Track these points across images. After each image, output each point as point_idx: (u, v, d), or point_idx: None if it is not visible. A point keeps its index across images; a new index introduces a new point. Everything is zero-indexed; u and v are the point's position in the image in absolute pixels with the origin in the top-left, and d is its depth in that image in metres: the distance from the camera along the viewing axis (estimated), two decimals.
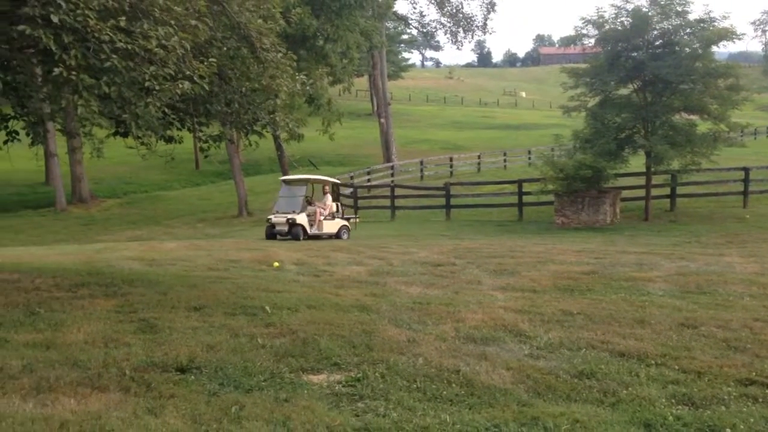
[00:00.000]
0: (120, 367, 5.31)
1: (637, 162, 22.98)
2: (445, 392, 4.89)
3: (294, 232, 18.45)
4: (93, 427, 4.12)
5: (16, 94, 7.84)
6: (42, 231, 28.95)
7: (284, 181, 21.25)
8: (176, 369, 5.35)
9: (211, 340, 6.16)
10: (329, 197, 20.22)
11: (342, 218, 20.21)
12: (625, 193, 22.77)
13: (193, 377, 5.18)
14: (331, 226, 19.54)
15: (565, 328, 6.73)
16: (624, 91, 22.68)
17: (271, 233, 18.78)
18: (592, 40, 23.37)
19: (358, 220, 21.75)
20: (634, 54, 22.35)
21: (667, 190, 22.96)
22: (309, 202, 19.83)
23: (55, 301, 7.77)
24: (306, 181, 20.38)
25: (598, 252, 12.74)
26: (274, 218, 18.91)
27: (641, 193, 22.35)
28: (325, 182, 20.97)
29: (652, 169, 21.73)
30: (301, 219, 18.67)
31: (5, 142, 9.29)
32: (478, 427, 4.24)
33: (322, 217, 19.32)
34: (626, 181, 22.63)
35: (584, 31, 23.03)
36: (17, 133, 9.17)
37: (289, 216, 18.61)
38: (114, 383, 4.97)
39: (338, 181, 22.57)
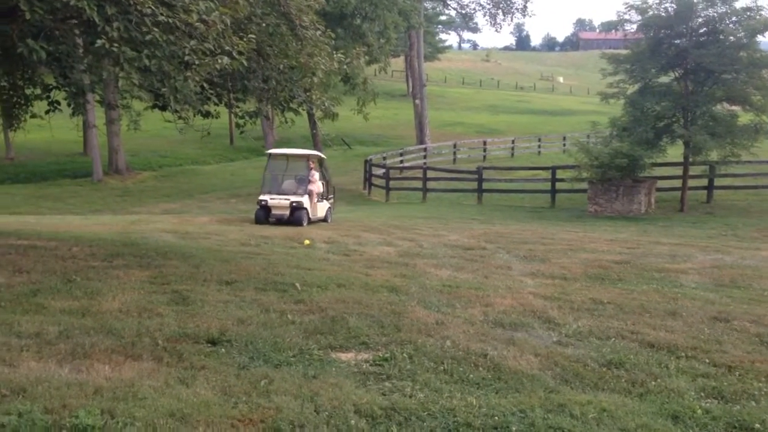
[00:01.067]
0: (153, 337, 5.42)
1: (674, 152, 22.59)
2: (471, 375, 4.91)
3: (297, 216, 15.49)
4: (126, 394, 4.22)
5: (59, 64, 7.97)
6: (79, 200, 29.48)
7: (272, 155, 17.98)
8: (207, 341, 5.45)
9: (241, 315, 6.26)
10: (316, 174, 16.70)
11: (327, 199, 17.35)
12: (661, 183, 22.43)
13: (223, 350, 5.27)
14: (321, 209, 16.72)
15: (595, 317, 6.70)
16: (665, 79, 22.23)
17: (264, 217, 15.80)
18: (634, 26, 22.92)
19: (332, 199, 18.21)
20: (677, 41, 21.88)
21: (704, 182, 22.55)
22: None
23: (91, 270, 7.93)
24: (304, 157, 17.50)
25: (631, 242, 12.61)
26: (270, 200, 15.76)
27: (677, 183, 21.99)
28: (310, 156, 17.53)
29: (690, 160, 21.34)
30: (306, 202, 15.76)
31: (47, 112, 9.46)
32: (505, 411, 4.25)
33: (316, 199, 16.40)
34: (662, 170, 22.28)
35: (626, 17, 22.60)
36: (59, 104, 9.33)
37: (293, 198, 15.66)
38: (147, 352, 5.08)
39: (324, 156, 18.71)
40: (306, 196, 15.76)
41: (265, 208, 15.77)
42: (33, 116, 10.32)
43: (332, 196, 18.23)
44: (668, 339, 5.92)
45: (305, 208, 15.61)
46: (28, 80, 9.83)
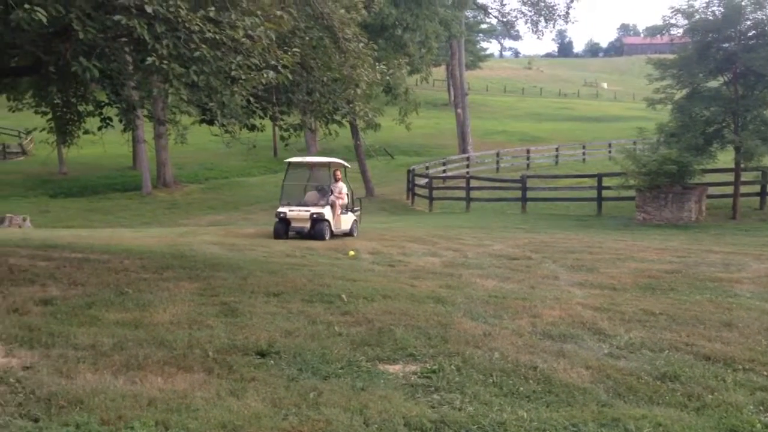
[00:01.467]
0: (203, 349, 5.49)
1: (725, 157, 22.07)
2: (521, 388, 4.85)
3: (318, 229, 14.30)
4: (179, 405, 4.28)
5: (111, 81, 8.18)
6: (128, 213, 30.13)
7: (291, 164, 16.23)
8: (256, 353, 5.50)
9: (289, 326, 6.30)
10: (342, 185, 15.68)
11: (352, 211, 16.00)
12: (712, 190, 21.91)
13: (272, 362, 5.31)
14: (345, 222, 15.45)
15: (647, 328, 6.56)
16: (713, 84, 21.74)
17: (283, 231, 14.63)
18: (681, 30, 22.47)
19: (358, 211, 16.80)
20: (726, 45, 21.39)
21: (757, 188, 21.94)
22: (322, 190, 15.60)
23: (142, 282, 8.09)
24: (326, 165, 16.39)
25: (682, 250, 12.34)
26: (289, 212, 14.63)
27: (729, 190, 21.44)
28: (337, 165, 16.27)
29: (742, 165, 20.82)
30: (328, 213, 14.58)
31: (99, 128, 9.71)
32: (556, 425, 4.19)
33: (339, 211, 15.24)
34: (713, 177, 21.76)
35: (672, 21, 22.16)
36: (111, 120, 9.57)
37: (314, 210, 14.47)
38: (198, 364, 5.15)
39: (347, 165, 17.19)
40: (328, 207, 14.61)
41: (284, 221, 14.60)
42: (86, 132, 10.61)
43: (358, 208, 17.00)
44: (724, 351, 5.76)
45: (327, 221, 14.42)
46: (80, 97, 10.12)
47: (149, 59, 6.55)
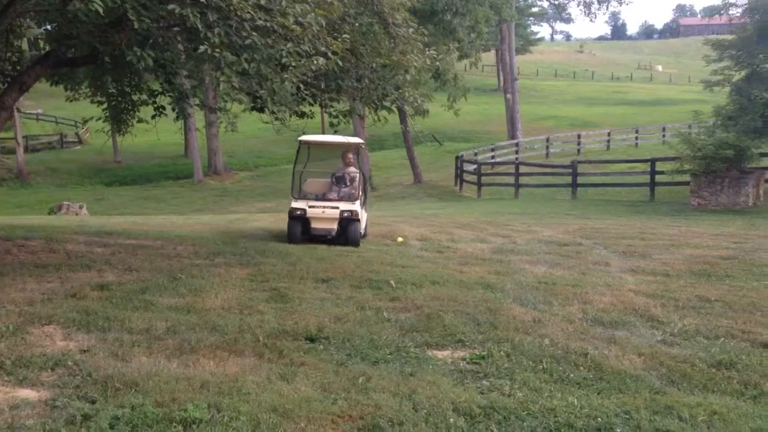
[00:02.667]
0: (254, 334, 5.58)
1: None
2: (572, 375, 4.81)
3: (351, 232, 10.85)
4: (231, 389, 4.37)
5: (164, 71, 8.32)
6: (180, 201, 30.74)
7: (304, 144, 11.82)
8: (306, 338, 5.56)
9: (338, 312, 6.35)
10: (355, 171, 11.89)
11: (363, 205, 11.74)
12: None
13: (321, 347, 5.37)
14: (363, 220, 11.60)
15: (702, 315, 6.42)
16: None
17: (300, 233, 10.96)
18: (740, 10, 21.87)
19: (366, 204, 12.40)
20: None
21: None
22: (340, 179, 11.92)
23: (194, 268, 8.25)
24: (352, 147, 11.88)
25: (738, 236, 11.99)
26: (309, 209, 10.97)
27: None
28: (349, 146, 11.87)
29: None
30: (359, 210, 11.11)
31: (153, 117, 9.90)
32: (608, 412, 4.13)
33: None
34: None
35: (731, 1, 21.53)
36: (164, 108, 9.75)
37: (345, 206, 10.96)
38: (249, 348, 5.24)
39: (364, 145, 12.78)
40: (358, 203, 11.12)
41: (302, 220, 10.96)
42: (140, 121, 10.84)
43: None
44: None
45: (358, 220, 10.98)
46: (134, 87, 10.33)
47: (201, 48, 6.64)
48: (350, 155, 11.87)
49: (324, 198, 11.39)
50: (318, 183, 12.02)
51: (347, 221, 10.90)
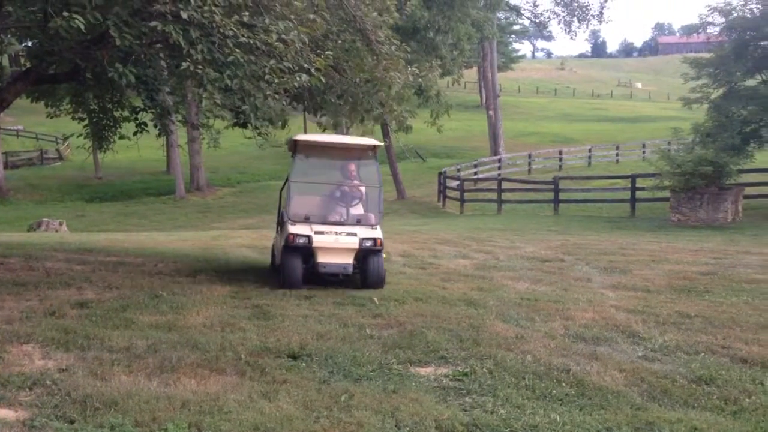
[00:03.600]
0: (236, 351, 5.54)
1: (763, 157, 21.65)
2: (554, 391, 4.81)
3: (374, 269, 8.35)
4: (212, 407, 4.33)
5: (146, 87, 8.31)
6: (163, 217, 30.55)
7: (300, 144, 8.88)
8: (288, 355, 5.53)
9: (321, 329, 6.33)
10: (361, 185, 9.22)
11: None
12: (749, 190, 21.46)
13: (304, 364, 5.34)
14: None
15: (682, 331, 6.46)
16: (751, 82, 21.39)
17: (303, 273, 8.28)
18: (718, 29, 22.21)
19: None
20: (764, 43, 21.06)
21: None
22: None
23: (176, 285, 8.19)
24: (366, 150, 9.14)
25: (718, 252, 12.11)
26: (316, 236, 8.26)
27: (767, 190, 21.03)
28: (363, 150, 9.20)
29: None
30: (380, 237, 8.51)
31: (135, 134, 9.87)
32: (590, 428, 4.15)
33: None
34: (750, 177, 21.33)
35: (709, 19, 21.94)
36: (146, 125, 9.73)
37: (363, 232, 8.43)
38: (231, 366, 5.20)
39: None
40: (379, 228, 8.58)
41: (304, 253, 8.24)
42: (121, 137, 10.79)
43: None
44: (762, 354, 5.65)
45: (381, 251, 8.49)
46: (116, 103, 10.30)
47: (184, 64, 6.65)
48: (353, 167, 9.09)
49: (332, 221, 8.52)
50: (314, 201, 9.01)
51: (368, 253, 8.27)
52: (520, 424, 4.20)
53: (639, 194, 22.78)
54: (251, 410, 4.30)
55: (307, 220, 8.40)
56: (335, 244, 8.25)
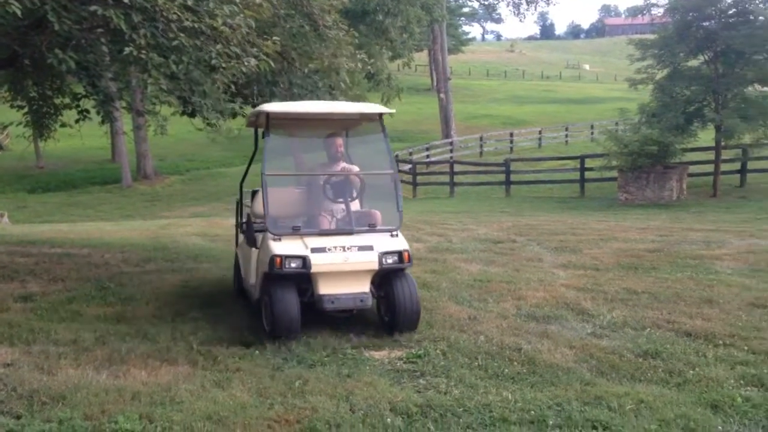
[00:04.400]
0: (188, 341, 5.49)
1: (706, 136, 22.21)
2: (506, 370, 4.89)
3: (406, 297, 5.81)
4: (163, 398, 4.27)
5: (87, 73, 8.07)
6: (109, 207, 29.88)
7: (273, 117, 6.13)
8: (241, 343, 5.50)
9: None
10: (353, 169, 6.70)
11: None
12: (693, 169, 22.05)
13: (257, 352, 5.32)
14: None
15: (629, 307, 6.62)
16: (694, 63, 21.84)
17: (298, 308, 5.61)
18: (661, 10, 22.59)
19: None
20: (706, 24, 21.48)
21: (737, 165, 22.12)
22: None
23: (124, 276, 8.04)
24: (350, 121, 6.91)
25: (664, 229, 12.42)
26: (315, 255, 5.67)
27: (710, 168, 21.60)
28: (360, 118, 6.75)
29: (722, 144, 20.97)
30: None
31: (77, 121, 9.60)
32: (541, 405, 4.22)
33: None
34: (694, 156, 21.89)
35: (653, 1, 22.28)
36: (88, 112, 9.47)
37: (385, 244, 5.94)
38: (182, 356, 5.14)
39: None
40: (401, 235, 6.19)
41: (298, 279, 5.80)
42: (63, 125, 10.49)
43: None
44: (705, 327, 5.82)
45: (406, 269, 6.08)
46: (57, 90, 9.98)
47: (127, 50, 6.47)
48: (340, 142, 6.73)
49: (333, 230, 6.07)
50: (301, 201, 6.72)
51: (392, 275, 5.91)
52: (473, 404, 4.25)
53: (588, 174, 23.20)
54: (204, 399, 4.26)
55: (296, 231, 5.82)
56: (344, 265, 5.68)
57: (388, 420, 4.03)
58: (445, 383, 4.63)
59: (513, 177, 24.91)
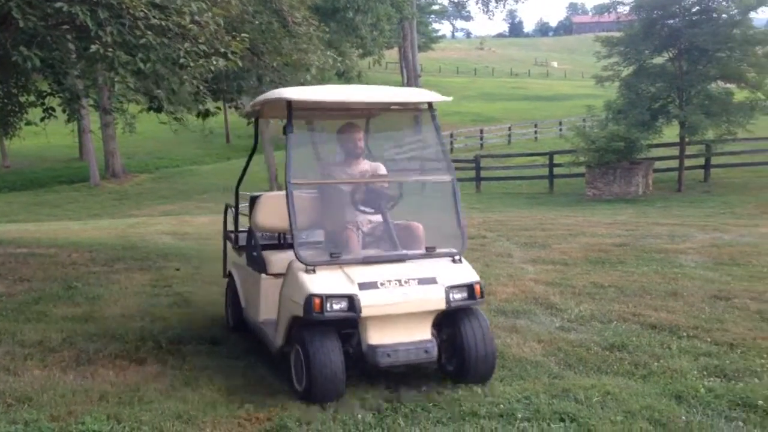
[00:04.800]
0: (156, 341, 5.45)
1: (670, 132, 22.59)
2: None
3: (479, 343, 4.51)
4: (132, 398, 4.25)
5: (53, 71, 7.96)
6: (77, 206, 29.45)
7: (293, 104, 4.60)
8: (211, 342, 5.47)
9: None
10: (378, 166, 5.36)
11: None
12: (658, 164, 22.43)
13: (227, 350, 5.30)
14: None
15: (596, 301, 6.72)
16: (659, 60, 22.22)
17: (342, 361, 4.26)
18: (627, 8, 22.95)
19: None
20: (670, 22, 21.87)
21: (701, 161, 22.56)
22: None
23: (91, 276, 7.95)
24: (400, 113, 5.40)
25: (630, 224, 12.62)
26: (366, 296, 4.25)
27: (674, 163, 21.99)
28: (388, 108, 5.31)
29: (687, 140, 21.35)
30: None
31: (42, 119, 9.45)
32: (510, 398, 4.27)
33: None
34: (659, 151, 22.28)
35: None
36: (54, 110, 9.33)
37: (450, 274, 4.57)
38: (151, 356, 5.11)
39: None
40: (465, 261, 4.83)
41: (341, 325, 4.40)
42: (28, 123, 10.33)
43: None
44: (669, 320, 5.94)
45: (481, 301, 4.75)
46: (22, 88, 9.82)
47: (93, 47, 6.39)
48: (360, 134, 5.30)
49: (382, 257, 4.63)
50: (337, 217, 5.08)
51: (461, 315, 4.66)
52: (443, 398, 4.28)
53: (556, 170, 23.47)
54: (173, 399, 4.25)
55: (335, 258, 4.43)
56: (403, 305, 4.35)
57: (359, 416, 4.05)
58: (415, 379, 4.66)
59: (483, 173, 25.08)
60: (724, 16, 21.19)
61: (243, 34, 7.97)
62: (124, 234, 12.67)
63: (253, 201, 5.56)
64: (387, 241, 4.75)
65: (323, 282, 4.27)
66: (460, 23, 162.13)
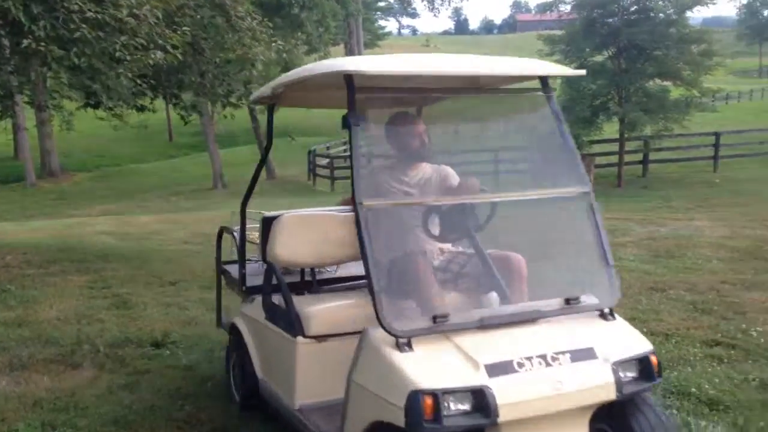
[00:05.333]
0: (94, 344, 5.31)
1: (610, 129, 23.11)
2: None
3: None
4: (67, 404, 4.13)
5: None
6: (12, 206, 28.48)
7: (355, 77, 3.05)
8: (151, 344, 5.36)
9: (186, 315, 6.17)
10: (448, 172, 3.73)
11: None
12: (599, 160, 22.87)
13: (168, 352, 5.20)
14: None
15: None
16: (599, 58, 22.72)
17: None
18: (569, 7, 23.39)
19: None
20: (610, 20, 22.37)
21: (639, 156, 23.14)
22: None
23: (26, 278, 7.71)
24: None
25: None
26: (501, 386, 2.50)
27: (614, 159, 22.49)
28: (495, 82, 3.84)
29: (626, 136, 21.88)
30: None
31: None
32: None
33: None
34: (600, 147, 22.75)
35: None
36: None
37: (604, 342, 2.82)
38: (88, 360, 4.97)
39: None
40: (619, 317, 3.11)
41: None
42: None
43: None
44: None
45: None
46: None
47: (25, 42, 6.20)
48: (423, 127, 3.66)
49: (502, 315, 2.87)
50: (429, 249, 3.49)
51: (629, 405, 2.85)
52: None
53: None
54: (111, 403, 4.15)
55: (444, 320, 2.70)
56: (556, 400, 2.64)
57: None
58: None
59: None
60: (661, 15, 21.77)
61: (183, 28, 7.83)
62: (61, 235, 12.31)
63: (267, 223, 4.00)
64: (483, 285, 3.22)
65: (433, 368, 2.57)
66: (406, 20, 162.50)
